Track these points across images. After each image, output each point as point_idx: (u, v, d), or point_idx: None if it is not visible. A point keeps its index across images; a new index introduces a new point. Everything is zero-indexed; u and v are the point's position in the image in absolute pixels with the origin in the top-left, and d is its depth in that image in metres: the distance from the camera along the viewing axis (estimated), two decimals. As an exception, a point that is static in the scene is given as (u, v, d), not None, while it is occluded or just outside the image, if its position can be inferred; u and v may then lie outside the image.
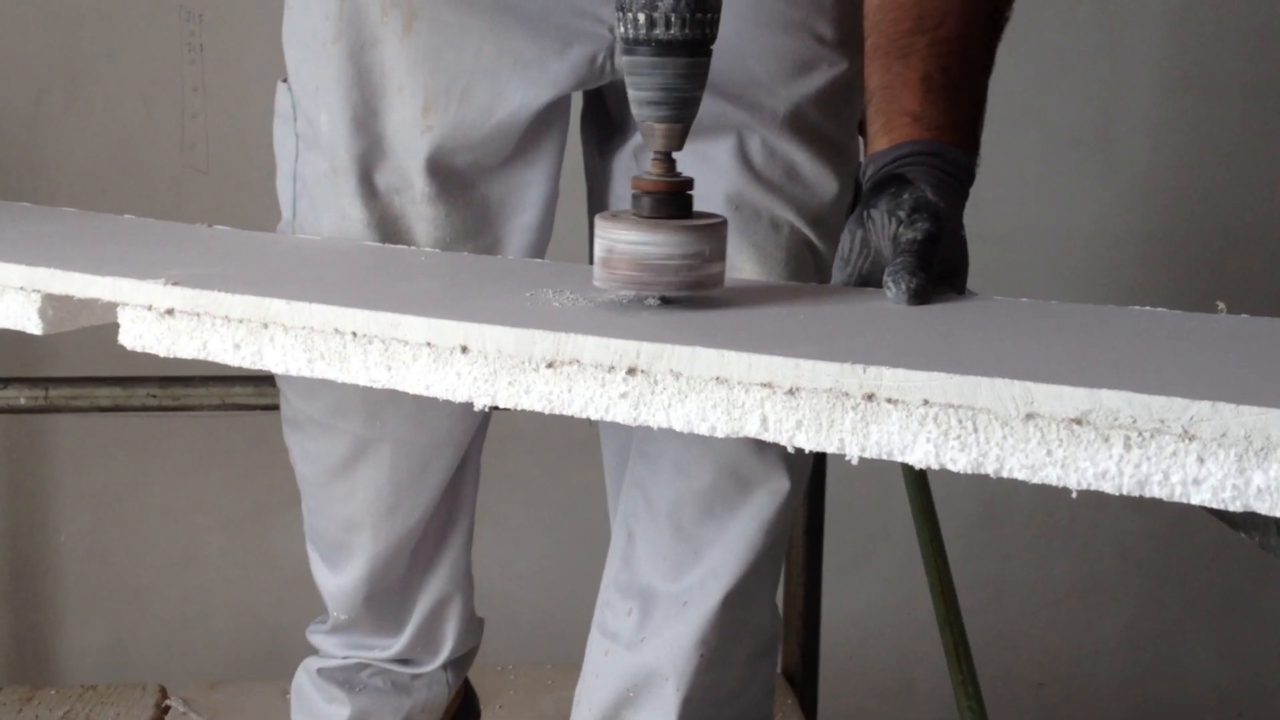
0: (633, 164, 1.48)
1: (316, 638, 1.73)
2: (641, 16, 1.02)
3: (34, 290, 1.16)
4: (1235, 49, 2.86)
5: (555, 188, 1.48)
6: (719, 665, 1.55)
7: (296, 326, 1.06)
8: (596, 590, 1.63)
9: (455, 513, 1.65)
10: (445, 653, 1.71)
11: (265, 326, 1.08)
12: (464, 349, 0.99)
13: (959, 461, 0.85)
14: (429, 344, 1.01)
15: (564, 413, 0.98)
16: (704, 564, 1.52)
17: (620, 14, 1.03)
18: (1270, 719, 3.15)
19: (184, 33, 2.61)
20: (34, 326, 1.17)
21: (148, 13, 2.60)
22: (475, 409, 1.00)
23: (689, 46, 1.03)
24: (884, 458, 0.88)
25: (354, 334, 1.04)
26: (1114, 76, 2.85)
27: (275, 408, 2.08)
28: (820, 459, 2.13)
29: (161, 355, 1.12)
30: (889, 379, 0.86)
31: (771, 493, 1.50)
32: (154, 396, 2.11)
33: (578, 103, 1.53)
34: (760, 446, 1.47)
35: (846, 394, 0.88)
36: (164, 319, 1.11)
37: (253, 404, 2.11)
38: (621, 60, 1.06)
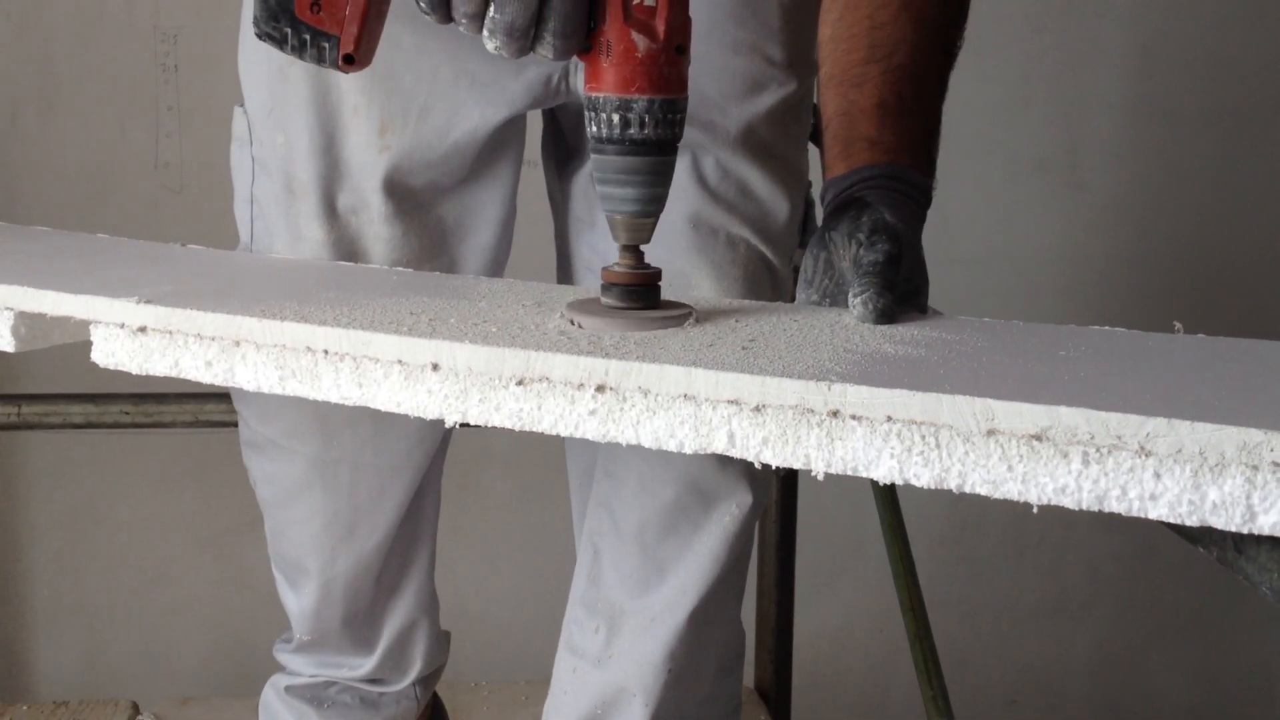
0: (589, 186, 1.49)
1: (284, 656, 1.74)
2: (616, 117, 1.03)
3: (6, 308, 1.16)
4: (1198, 75, 2.89)
5: (512, 208, 1.50)
6: (686, 681, 1.56)
7: (268, 344, 1.07)
8: (562, 608, 1.64)
9: (417, 536, 1.65)
10: (414, 672, 1.71)
11: (237, 344, 1.08)
12: (435, 366, 1.00)
13: (922, 477, 0.87)
14: (400, 361, 1.02)
15: (534, 429, 0.99)
16: (670, 581, 1.53)
17: (591, 114, 1.05)
18: (1239, 736, 3.18)
19: (158, 53, 2.61)
20: (6, 344, 1.17)
21: (122, 32, 2.61)
22: (445, 427, 1.01)
23: (660, 146, 1.05)
24: (849, 473, 0.89)
25: (325, 352, 1.05)
26: (1079, 101, 2.88)
27: (248, 425, 2.09)
28: (791, 476, 2.14)
29: (134, 373, 1.13)
30: (853, 396, 0.88)
31: (735, 507, 1.51)
32: (127, 414, 2.11)
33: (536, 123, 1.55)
34: (723, 462, 1.48)
35: (811, 410, 0.89)
36: (136, 336, 1.12)
37: (226, 421, 2.10)
38: (591, 156, 1.07)
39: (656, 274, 1.09)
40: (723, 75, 1.41)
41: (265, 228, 1.48)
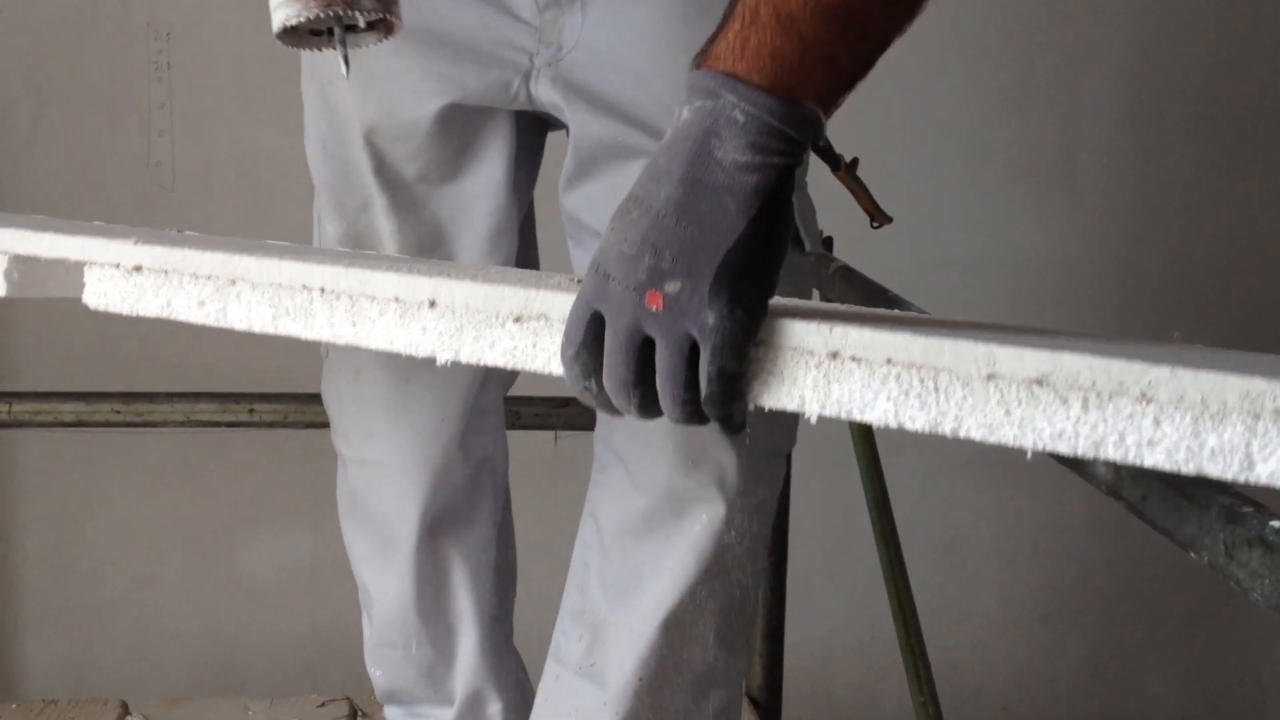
0: (578, 204, 1.50)
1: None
2: None
3: (0, 251, 1.16)
4: (1193, 79, 2.89)
5: (505, 202, 1.51)
6: (656, 693, 1.55)
7: (264, 283, 1.06)
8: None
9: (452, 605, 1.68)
10: None
11: (232, 283, 1.07)
12: (432, 303, 0.99)
13: (917, 420, 0.86)
14: (396, 299, 1.01)
15: (527, 368, 0.97)
16: (646, 589, 1.52)
17: None
18: (1230, 744, 3.18)
19: (150, 50, 2.61)
20: None
21: (115, 30, 2.61)
22: (439, 363, 1.00)
23: None
24: (842, 416, 0.88)
25: (321, 289, 1.04)
26: (1073, 106, 2.88)
27: (240, 424, 2.10)
28: (785, 483, 2.14)
29: (125, 314, 1.11)
30: (854, 338, 0.87)
31: (704, 515, 1.49)
32: (118, 412, 2.10)
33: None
34: (692, 467, 1.48)
35: (810, 352, 0.88)
36: (130, 276, 1.11)
37: (217, 420, 2.11)
38: None
39: None
40: (679, 82, 1.40)
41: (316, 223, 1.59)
